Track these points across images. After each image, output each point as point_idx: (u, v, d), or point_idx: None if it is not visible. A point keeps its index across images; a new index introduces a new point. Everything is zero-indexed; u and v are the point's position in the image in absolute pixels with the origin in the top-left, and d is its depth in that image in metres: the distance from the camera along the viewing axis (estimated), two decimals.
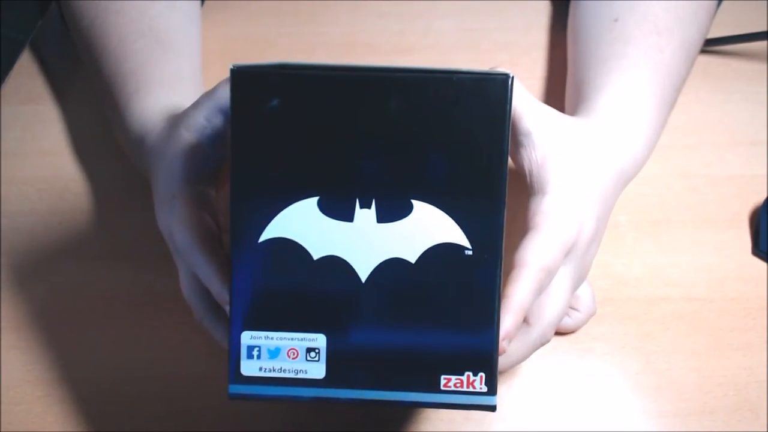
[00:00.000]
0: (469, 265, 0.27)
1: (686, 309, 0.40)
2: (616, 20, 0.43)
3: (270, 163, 0.27)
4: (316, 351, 0.28)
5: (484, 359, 0.27)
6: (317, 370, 0.28)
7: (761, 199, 0.45)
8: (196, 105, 0.34)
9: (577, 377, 0.38)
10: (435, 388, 0.27)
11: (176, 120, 0.35)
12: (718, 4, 0.48)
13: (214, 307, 0.32)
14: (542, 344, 0.32)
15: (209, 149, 0.33)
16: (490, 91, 0.26)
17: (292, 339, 0.28)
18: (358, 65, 0.27)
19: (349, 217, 0.27)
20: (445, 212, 0.27)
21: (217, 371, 0.38)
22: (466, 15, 0.56)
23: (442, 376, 0.27)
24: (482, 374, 0.27)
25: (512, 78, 0.26)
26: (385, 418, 0.37)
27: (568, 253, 0.31)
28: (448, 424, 0.37)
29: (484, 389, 0.27)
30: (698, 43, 0.44)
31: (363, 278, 0.27)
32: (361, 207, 0.27)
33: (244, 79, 0.27)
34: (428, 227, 0.27)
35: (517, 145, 0.32)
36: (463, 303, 0.27)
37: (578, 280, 0.33)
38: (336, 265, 0.27)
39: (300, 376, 0.28)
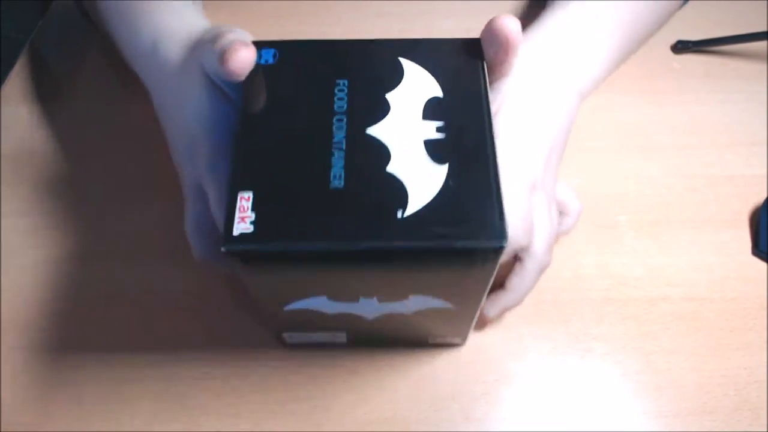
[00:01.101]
0: (452, 314, 0.33)
1: (686, 309, 0.41)
2: None
3: (282, 286, 0.30)
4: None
5: None
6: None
7: (761, 199, 0.45)
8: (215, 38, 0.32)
9: (577, 377, 0.38)
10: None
11: (196, 51, 0.35)
12: None
13: (216, 247, 0.33)
14: (542, 270, 0.36)
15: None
16: (480, 259, 0.27)
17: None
18: (344, 246, 0.26)
19: (354, 301, 0.31)
20: (440, 298, 0.31)
21: (217, 371, 0.39)
22: (466, 15, 0.56)
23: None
24: None
25: (502, 248, 0.26)
26: (386, 419, 0.37)
27: (532, 189, 0.33)
28: (449, 424, 0.37)
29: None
30: None
31: (369, 318, 0.33)
32: (364, 298, 0.31)
33: (242, 257, 0.26)
34: (423, 302, 0.31)
35: None
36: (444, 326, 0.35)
37: (550, 199, 0.35)
38: (348, 314, 0.33)
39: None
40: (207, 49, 0.32)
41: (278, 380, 0.38)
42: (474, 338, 0.40)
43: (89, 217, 0.45)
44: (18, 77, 0.54)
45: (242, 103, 0.29)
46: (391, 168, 0.27)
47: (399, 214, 0.26)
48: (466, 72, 0.30)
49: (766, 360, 0.38)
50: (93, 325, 0.40)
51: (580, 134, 0.49)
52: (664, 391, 0.37)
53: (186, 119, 0.34)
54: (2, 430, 0.37)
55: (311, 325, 0.35)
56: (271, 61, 0.31)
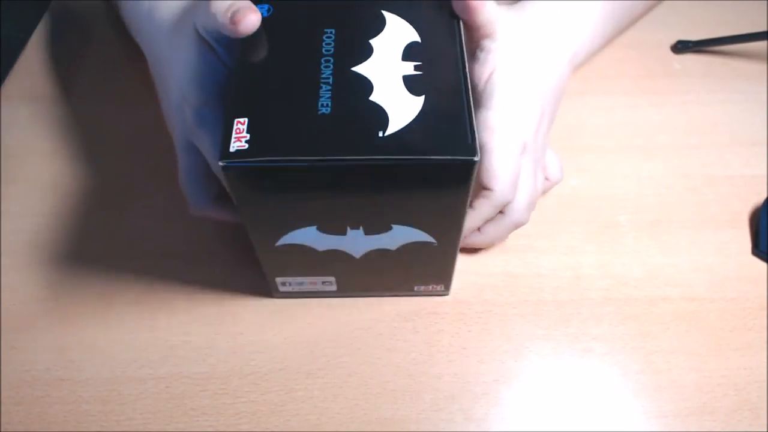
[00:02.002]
0: (433, 250, 0.35)
1: (686, 309, 0.41)
2: None
3: (274, 212, 0.32)
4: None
5: None
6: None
7: (761, 199, 0.45)
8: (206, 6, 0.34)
9: (577, 377, 0.38)
10: None
11: (188, 10, 0.36)
12: None
13: (210, 196, 0.35)
14: (517, 226, 0.38)
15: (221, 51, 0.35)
16: (455, 172, 0.29)
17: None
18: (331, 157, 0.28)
19: (342, 233, 0.33)
20: (420, 229, 0.33)
21: (217, 371, 0.39)
22: None
23: None
24: None
25: (473, 162, 0.28)
26: (386, 419, 0.37)
27: (522, 152, 0.35)
28: (449, 424, 0.37)
29: None
30: None
31: (357, 257, 0.35)
32: (351, 229, 0.33)
33: (237, 173, 0.29)
34: (406, 234, 0.34)
35: (473, 56, 0.36)
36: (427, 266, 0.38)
37: (537, 163, 0.38)
38: (336, 251, 0.35)
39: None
40: (201, 8, 0.34)
41: (278, 380, 0.38)
42: (474, 338, 0.40)
43: (89, 217, 0.45)
44: (18, 77, 0.54)
45: (238, 46, 0.32)
46: (373, 97, 0.30)
47: (380, 134, 0.28)
48: (443, 24, 0.33)
49: (766, 360, 0.38)
50: (93, 325, 0.40)
51: (581, 134, 0.49)
52: (664, 391, 0.37)
53: (177, 74, 0.36)
54: (2, 430, 0.37)
55: (302, 265, 0.37)
56: (265, 14, 0.33)
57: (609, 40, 0.45)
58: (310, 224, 0.33)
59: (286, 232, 0.33)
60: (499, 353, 0.39)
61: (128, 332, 0.40)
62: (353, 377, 0.38)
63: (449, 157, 0.28)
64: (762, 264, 0.42)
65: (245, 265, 0.42)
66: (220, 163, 0.28)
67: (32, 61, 0.56)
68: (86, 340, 0.40)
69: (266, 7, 0.34)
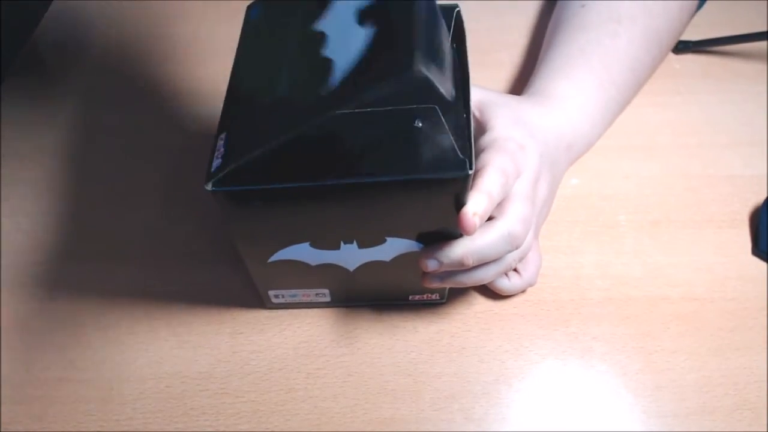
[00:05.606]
0: None
1: (686, 309, 0.40)
2: (583, 6, 0.45)
3: (265, 231, 0.32)
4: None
5: None
6: None
7: (761, 199, 0.45)
8: None
9: (577, 377, 0.38)
10: None
11: None
12: (700, 5, 0.49)
13: None
14: (506, 240, 0.32)
15: None
16: (449, 187, 0.28)
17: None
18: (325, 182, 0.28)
19: (335, 248, 0.33)
20: (415, 240, 0.33)
21: (216, 371, 0.39)
22: (466, 15, 0.56)
23: None
24: None
25: (469, 175, 0.28)
26: (386, 419, 0.37)
27: (518, 177, 0.34)
28: (448, 424, 0.37)
29: None
30: (668, 33, 0.46)
31: (351, 270, 0.35)
32: (345, 243, 0.33)
33: (228, 195, 0.29)
34: (400, 245, 0.33)
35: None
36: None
37: (530, 207, 0.34)
38: (330, 265, 0.35)
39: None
40: None
41: (278, 380, 0.38)
42: (474, 338, 0.40)
43: (89, 217, 0.45)
44: (18, 77, 0.54)
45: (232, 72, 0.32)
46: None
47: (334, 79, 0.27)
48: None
49: (766, 360, 0.38)
50: (92, 324, 0.40)
51: None
52: (664, 391, 0.37)
53: None
54: (2, 430, 0.37)
55: (295, 280, 0.37)
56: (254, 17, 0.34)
57: (610, 124, 0.44)
58: (302, 241, 0.33)
59: (278, 249, 0.33)
60: (499, 353, 0.39)
61: (128, 332, 0.40)
62: (353, 377, 0.38)
63: (441, 176, 0.27)
64: (762, 264, 0.42)
65: (245, 265, 0.42)
66: (207, 187, 0.28)
67: (32, 60, 0.56)
68: (86, 339, 0.40)
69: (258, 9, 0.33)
